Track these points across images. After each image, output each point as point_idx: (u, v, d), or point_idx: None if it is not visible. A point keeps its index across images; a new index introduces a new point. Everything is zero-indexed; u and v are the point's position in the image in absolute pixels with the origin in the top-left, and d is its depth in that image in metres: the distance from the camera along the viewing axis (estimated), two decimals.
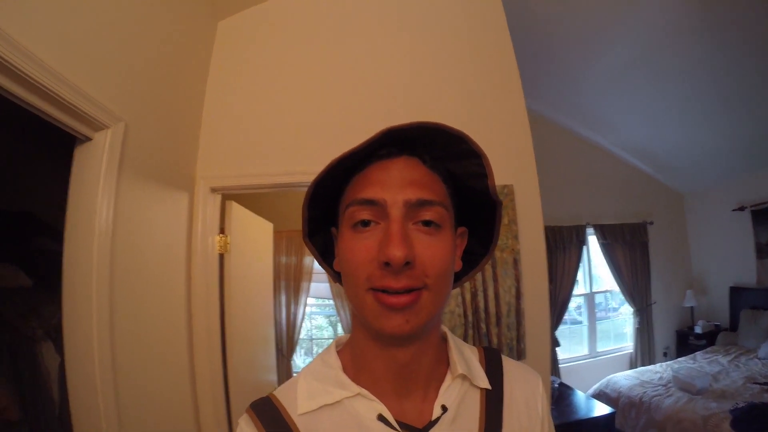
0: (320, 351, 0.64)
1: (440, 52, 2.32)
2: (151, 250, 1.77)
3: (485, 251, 0.64)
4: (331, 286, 4.31)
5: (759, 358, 3.87)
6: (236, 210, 2.42)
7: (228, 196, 2.33)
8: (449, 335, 0.64)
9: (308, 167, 2.08)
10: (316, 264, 3.74)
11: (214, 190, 2.17)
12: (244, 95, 2.29)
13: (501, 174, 2.12)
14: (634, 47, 3.51)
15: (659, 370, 3.89)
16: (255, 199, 2.68)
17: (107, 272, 1.43)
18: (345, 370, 0.59)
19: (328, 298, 4.53)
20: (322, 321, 4.96)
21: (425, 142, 0.56)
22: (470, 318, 1.95)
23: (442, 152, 0.56)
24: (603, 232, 5.14)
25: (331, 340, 0.66)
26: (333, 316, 4.78)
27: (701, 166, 5.07)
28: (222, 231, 2.25)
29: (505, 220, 1.99)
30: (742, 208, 4.89)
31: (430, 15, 2.37)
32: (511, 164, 2.13)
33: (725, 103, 3.90)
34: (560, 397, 3.26)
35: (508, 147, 2.17)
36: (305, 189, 0.57)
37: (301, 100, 2.27)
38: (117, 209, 1.49)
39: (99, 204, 1.42)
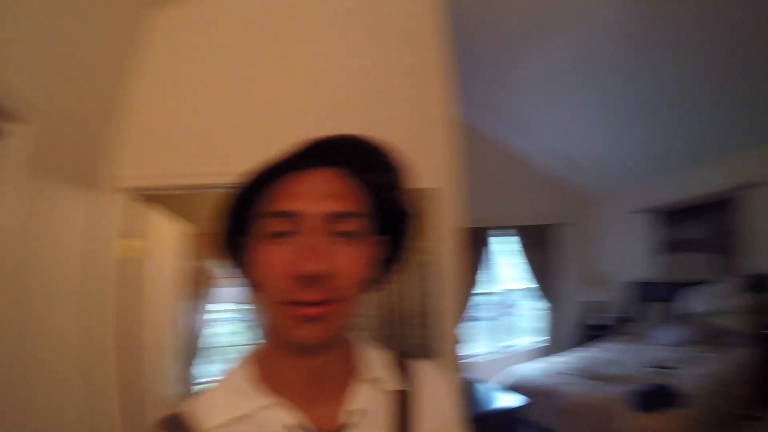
0: (236, 358, 0.62)
1: (369, 52, 2.34)
2: (62, 255, 1.66)
3: (400, 257, 0.65)
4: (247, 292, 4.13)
5: (655, 344, 4.29)
6: (153, 213, 2.31)
7: (148, 197, 2.20)
8: (360, 340, 0.65)
9: (230, 168, 1.99)
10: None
11: (130, 190, 2.05)
12: (168, 94, 2.19)
13: (423, 176, 2.18)
14: (551, 53, 3.73)
15: (568, 361, 4.15)
16: (178, 201, 2.55)
17: (13, 278, 1.34)
18: (257, 380, 0.57)
19: (245, 304, 4.39)
20: (236, 327, 4.77)
21: (345, 153, 0.56)
22: (385, 320, 1.99)
23: (362, 163, 0.57)
24: (513, 232, 5.52)
25: (248, 347, 0.64)
26: (249, 321, 4.63)
27: (608, 171, 5.52)
28: (136, 235, 2.13)
29: (424, 223, 2.04)
30: (643, 210, 5.43)
31: (361, 15, 2.38)
32: (433, 167, 2.17)
33: (625, 113, 4.28)
34: (472, 391, 3.40)
35: (430, 150, 2.21)
36: (226, 190, 0.55)
37: (224, 100, 2.22)
38: (24, 211, 1.38)
39: (6, 205, 1.31)
